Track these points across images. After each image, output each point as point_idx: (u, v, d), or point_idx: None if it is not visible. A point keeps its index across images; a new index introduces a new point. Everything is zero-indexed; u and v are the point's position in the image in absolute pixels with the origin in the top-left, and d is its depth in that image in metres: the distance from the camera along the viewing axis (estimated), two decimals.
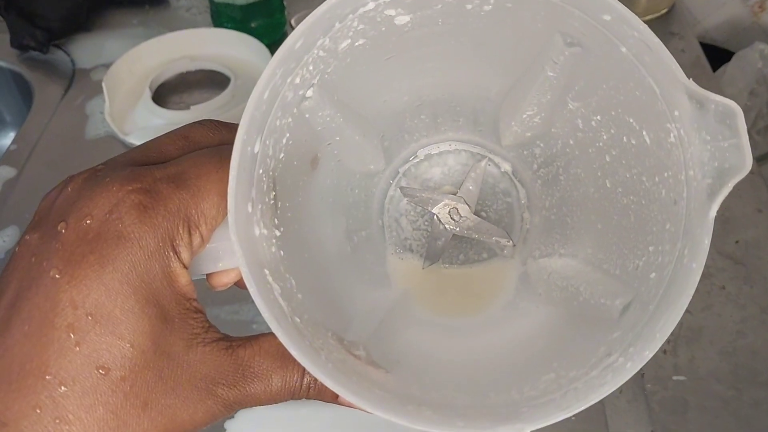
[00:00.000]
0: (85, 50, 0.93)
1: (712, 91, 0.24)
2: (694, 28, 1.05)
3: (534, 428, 0.25)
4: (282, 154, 0.29)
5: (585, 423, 0.52)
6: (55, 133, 0.81)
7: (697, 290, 0.25)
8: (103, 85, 0.79)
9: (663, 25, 0.91)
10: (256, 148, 0.26)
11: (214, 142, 0.30)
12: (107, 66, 0.84)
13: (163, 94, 0.85)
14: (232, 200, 0.25)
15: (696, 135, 0.25)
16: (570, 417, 0.25)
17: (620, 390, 0.54)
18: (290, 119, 0.29)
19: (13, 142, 0.81)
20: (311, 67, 0.28)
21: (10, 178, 0.76)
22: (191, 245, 0.27)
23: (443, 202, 0.36)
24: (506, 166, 0.37)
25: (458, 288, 0.37)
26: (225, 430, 0.54)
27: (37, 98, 0.86)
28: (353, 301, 0.34)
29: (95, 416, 0.24)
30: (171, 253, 0.26)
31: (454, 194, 0.37)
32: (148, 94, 0.81)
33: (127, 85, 0.84)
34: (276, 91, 0.27)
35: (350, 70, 0.30)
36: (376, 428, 0.54)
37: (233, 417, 0.55)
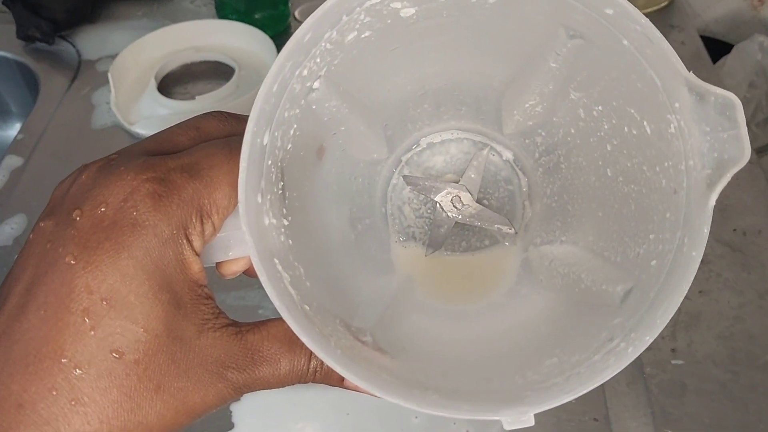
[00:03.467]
0: (90, 41, 0.93)
1: (711, 83, 0.25)
2: (694, 21, 1.05)
3: (538, 411, 0.26)
4: (290, 145, 0.29)
5: (585, 406, 0.53)
6: (61, 123, 0.82)
7: (695, 276, 0.25)
8: (109, 75, 0.79)
9: (663, 18, 0.91)
10: (265, 140, 0.27)
11: (224, 132, 0.30)
12: (113, 57, 0.84)
13: (168, 84, 0.85)
14: (242, 191, 0.25)
15: (696, 126, 0.26)
16: (570, 400, 0.26)
17: (619, 374, 0.55)
18: (298, 111, 0.29)
19: (20, 132, 0.81)
20: (318, 60, 0.28)
21: (17, 167, 0.77)
22: (203, 234, 0.27)
23: (446, 190, 0.37)
24: (508, 155, 0.37)
25: (461, 275, 0.37)
26: (231, 413, 0.55)
27: (43, 89, 0.87)
28: (359, 288, 0.34)
29: (110, 398, 0.24)
30: (184, 241, 0.26)
31: (457, 182, 0.37)
32: (153, 85, 0.81)
33: (133, 76, 0.84)
34: (284, 83, 0.27)
35: (356, 61, 0.31)
36: (376, 411, 0.55)
37: (239, 401, 0.55)
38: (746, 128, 0.24)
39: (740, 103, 0.24)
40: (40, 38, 0.90)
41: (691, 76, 0.25)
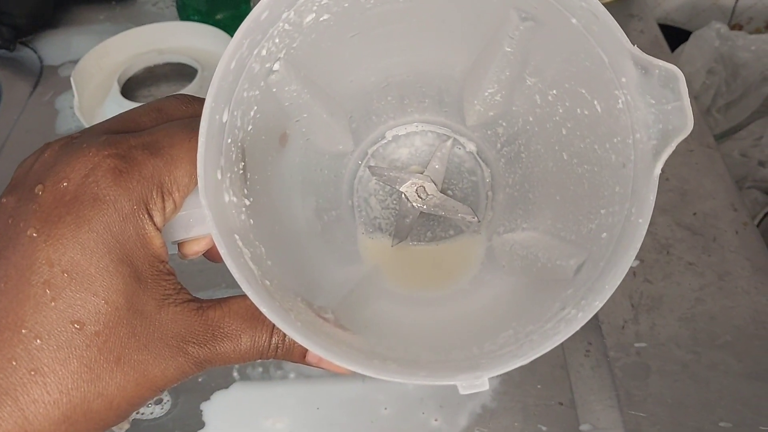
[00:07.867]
0: (52, 47, 0.92)
1: None
2: (654, 11, 1.07)
3: (491, 375, 0.26)
4: (250, 127, 0.30)
5: (550, 390, 0.53)
6: (25, 129, 0.81)
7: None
8: (72, 80, 0.79)
9: (623, 8, 0.92)
10: (224, 118, 0.27)
11: (186, 114, 0.31)
12: (75, 62, 0.84)
13: (132, 87, 0.85)
14: (201, 165, 0.26)
15: (641, 99, 0.26)
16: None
17: (584, 358, 0.56)
18: (257, 92, 0.29)
19: None
20: (277, 40, 0.29)
21: None
22: (164, 210, 0.27)
23: (410, 181, 0.37)
24: (471, 146, 0.38)
25: (427, 264, 0.38)
26: (201, 411, 0.55)
27: (6, 96, 0.86)
28: (323, 274, 0.35)
29: (69, 369, 0.25)
30: (145, 216, 0.27)
31: (421, 173, 0.37)
32: (116, 89, 0.81)
33: (96, 80, 0.84)
34: (243, 62, 0.27)
35: (316, 46, 0.31)
36: (346, 404, 0.55)
37: (210, 399, 0.55)
38: (689, 99, 0.25)
39: (682, 74, 0.25)
40: (1, 45, 0.89)
41: (636, 49, 0.26)
